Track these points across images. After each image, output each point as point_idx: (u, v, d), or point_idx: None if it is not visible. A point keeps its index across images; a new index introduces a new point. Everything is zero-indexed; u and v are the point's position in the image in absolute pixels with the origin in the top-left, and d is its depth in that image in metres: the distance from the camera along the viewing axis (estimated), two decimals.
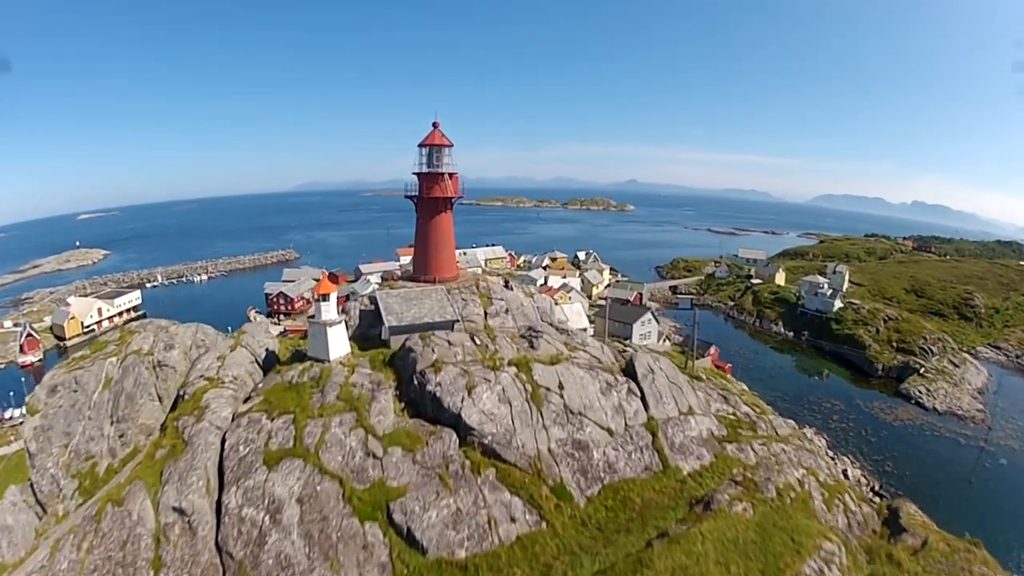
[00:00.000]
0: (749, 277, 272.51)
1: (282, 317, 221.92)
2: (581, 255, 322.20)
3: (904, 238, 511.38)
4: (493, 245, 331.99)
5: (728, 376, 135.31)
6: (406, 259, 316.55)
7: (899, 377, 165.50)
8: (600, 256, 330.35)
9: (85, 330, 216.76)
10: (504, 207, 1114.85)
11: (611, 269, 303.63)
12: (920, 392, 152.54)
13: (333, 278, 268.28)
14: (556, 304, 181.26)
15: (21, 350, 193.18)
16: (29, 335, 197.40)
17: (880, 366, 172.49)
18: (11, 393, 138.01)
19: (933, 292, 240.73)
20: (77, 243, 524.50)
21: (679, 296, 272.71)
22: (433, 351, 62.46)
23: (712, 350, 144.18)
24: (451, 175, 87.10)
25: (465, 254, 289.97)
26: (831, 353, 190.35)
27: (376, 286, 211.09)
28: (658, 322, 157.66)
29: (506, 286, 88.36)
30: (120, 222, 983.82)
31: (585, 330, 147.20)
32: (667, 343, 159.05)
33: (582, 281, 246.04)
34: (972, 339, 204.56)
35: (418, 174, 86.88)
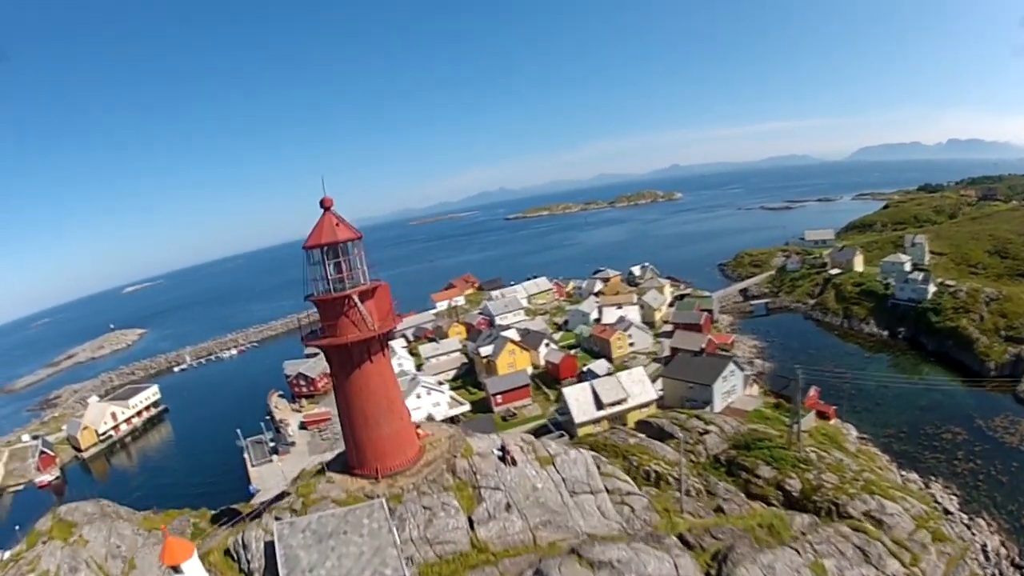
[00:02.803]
0: (824, 266, 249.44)
1: (304, 401, 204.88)
2: (636, 270, 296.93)
3: (957, 183, 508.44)
4: (535, 277, 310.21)
5: (834, 426, 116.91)
6: (442, 305, 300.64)
7: (1013, 374, 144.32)
8: (657, 265, 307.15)
9: (101, 438, 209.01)
10: (551, 216, 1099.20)
11: (671, 280, 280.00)
12: None
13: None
14: (609, 370, 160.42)
15: (38, 468, 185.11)
16: (43, 452, 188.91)
17: (992, 364, 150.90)
18: (16, 527, 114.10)
19: (1017, 251, 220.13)
20: (111, 326, 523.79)
21: (752, 302, 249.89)
22: None
23: (812, 393, 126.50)
24: (369, 291, 54.07)
25: (504, 295, 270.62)
26: (934, 352, 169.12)
27: (399, 363, 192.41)
28: (741, 368, 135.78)
29: (503, 458, 56.36)
30: (164, 291, 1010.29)
31: (652, 403, 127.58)
32: (754, 387, 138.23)
33: (641, 307, 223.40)
34: None
35: (311, 299, 54.23)
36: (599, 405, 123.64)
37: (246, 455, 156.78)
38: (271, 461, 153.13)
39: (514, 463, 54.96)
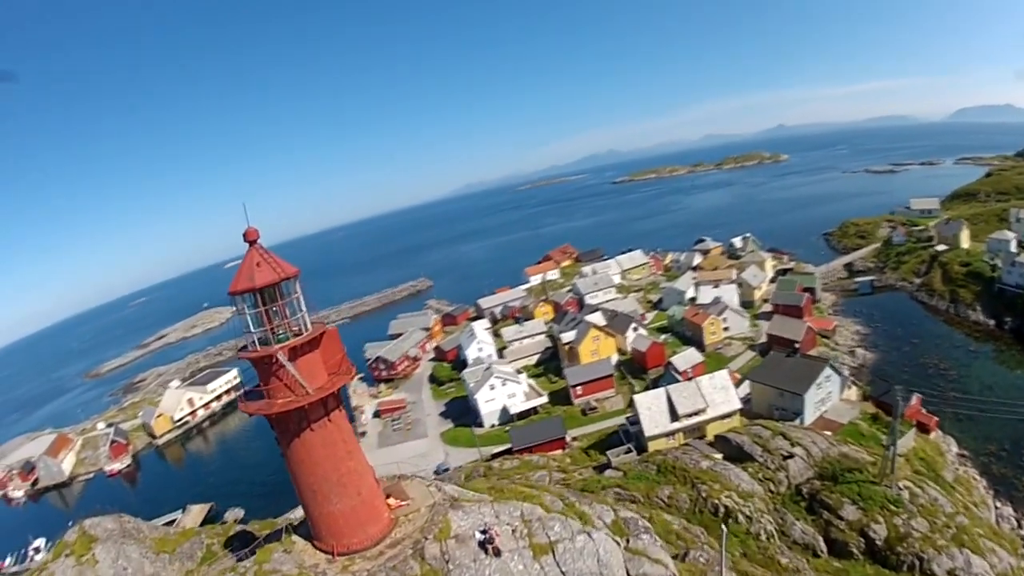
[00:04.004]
0: (930, 240, 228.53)
1: (383, 386, 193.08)
2: (737, 242, 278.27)
3: None
4: (631, 250, 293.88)
5: (934, 443, 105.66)
6: (535, 280, 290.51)
7: None
8: (760, 233, 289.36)
9: (177, 424, 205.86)
10: (658, 179, 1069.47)
11: (773, 252, 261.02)
12: None
13: (450, 318, 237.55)
14: (686, 371, 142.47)
15: (110, 457, 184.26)
16: (114, 441, 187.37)
17: None
18: (69, 523, 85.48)
19: None
20: (205, 304, 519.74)
21: (856, 279, 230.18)
22: None
23: (914, 402, 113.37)
24: (309, 342, 42.37)
25: (595, 271, 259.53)
26: None
27: (479, 348, 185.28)
28: (839, 372, 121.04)
29: (484, 545, 43.60)
30: None
31: (735, 414, 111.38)
32: (852, 390, 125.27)
33: (739, 285, 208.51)
34: None
35: (244, 354, 42.23)
36: (674, 416, 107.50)
37: None
38: None
39: (497, 553, 43.37)
